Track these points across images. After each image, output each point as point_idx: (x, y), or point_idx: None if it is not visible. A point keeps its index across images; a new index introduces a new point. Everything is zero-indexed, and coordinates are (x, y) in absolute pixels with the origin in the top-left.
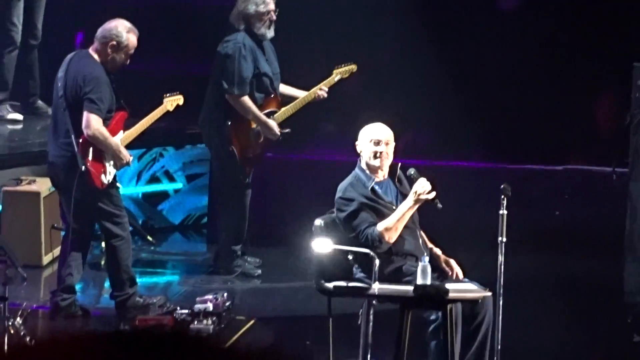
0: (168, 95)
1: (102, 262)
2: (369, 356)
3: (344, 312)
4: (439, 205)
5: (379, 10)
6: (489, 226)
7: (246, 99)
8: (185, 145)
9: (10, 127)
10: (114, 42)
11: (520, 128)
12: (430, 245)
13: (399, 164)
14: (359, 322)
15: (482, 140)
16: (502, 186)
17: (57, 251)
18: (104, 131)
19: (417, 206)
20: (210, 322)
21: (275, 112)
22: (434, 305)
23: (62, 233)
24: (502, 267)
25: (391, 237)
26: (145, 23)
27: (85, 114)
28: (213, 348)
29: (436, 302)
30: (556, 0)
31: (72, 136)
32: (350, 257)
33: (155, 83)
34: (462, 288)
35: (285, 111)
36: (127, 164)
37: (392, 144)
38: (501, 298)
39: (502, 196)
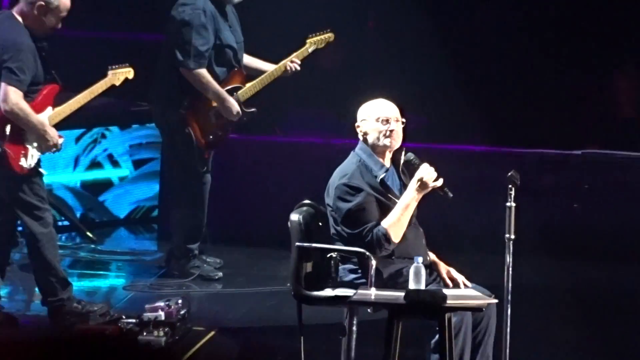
0: (114, 66)
1: None
2: None
3: (324, 321)
4: (450, 194)
5: None
6: (493, 221)
7: (204, 73)
8: (132, 124)
9: None
10: (42, 3)
11: (530, 108)
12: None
13: (404, 149)
14: (343, 335)
15: (484, 120)
16: (509, 174)
17: None
18: (24, 106)
19: (421, 196)
20: (162, 333)
21: (239, 89)
22: (427, 314)
23: None
24: (510, 269)
25: (397, 235)
26: None
27: (2, 85)
28: None
29: (430, 310)
30: None
31: None
32: (334, 255)
33: (98, 51)
34: (463, 294)
35: (250, 87)
36: (55, 146)
37: (401, 121)
38: (509, 305)
39: (510, 186)
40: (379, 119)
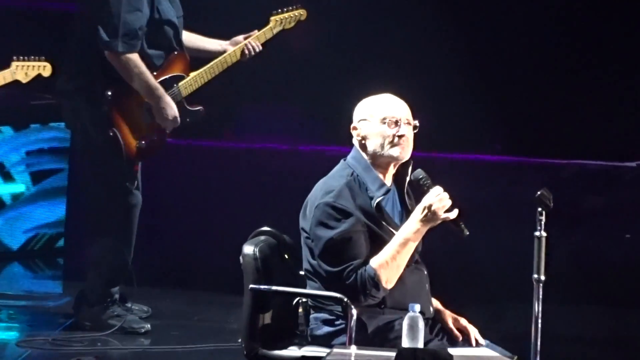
0: (22, 57)
1: None
2: None
3: None
4: (466, 232)
5: None
6: (517, 256)
7: (135, 59)
8: (30, 124)
9: None
10: None
11: (567, 107)
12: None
13: (411, 163)
14: None
15: (508, 124)
16: (538, 193)
17: None
18: None
19: (425, 230)
20: None
21: (180, 79)
22: None
23: None
24: (539, 320)
25: (390, 280)
26: None
27: None
28: None
29: None
30: None
31: None
32: (304, 301)
33: None
34: (474, 354)
35: (195, 78)
36: None
37: (413, 125)
38: None
39: (539, 209)
40: (385, 119)
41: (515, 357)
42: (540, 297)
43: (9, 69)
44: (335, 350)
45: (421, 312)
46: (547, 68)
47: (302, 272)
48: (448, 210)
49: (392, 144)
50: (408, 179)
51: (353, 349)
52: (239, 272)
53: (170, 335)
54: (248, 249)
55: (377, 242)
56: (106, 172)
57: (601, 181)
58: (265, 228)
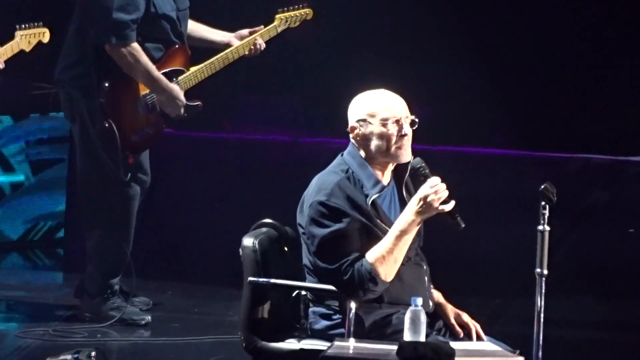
0: (24, 25)
1: None
2: None
3: None
4: (461, 224)
5: None
6: (520, 250)
7: (134, 52)
8: (29, 114)
9: None
10: None
11: (572, 100)
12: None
13: (411, 159)
14: None
15: (511, 117)
16: (542, 187)
17: None
18: None
19: (421, 221)
20: None
21: (179, 73)
22: None
23: None
24: (542, 314)
25: (388, 274)
26: None
27: None
28: None
29: None
30: None
31: None
32: (303, 294)
33: None
34: (477, 349)
35: (195, 73)
36: None
37: (411, 121)
38: None
39: (543, 202)
40: (387, 120)
41: (517, 352)
42: (543, 291)
43: (14, 40)
44: (336, 343)
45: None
46: (553, 61)
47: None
48: (444, 202)
49: (396, 146)
50: (405, 178)
51: (351, 342)
52: (239, 265)
53: (171, 327)
54: (247, 241)
55: (372, 239)
56: (102, 164)
57: (605, 175)
58: (267, 220)
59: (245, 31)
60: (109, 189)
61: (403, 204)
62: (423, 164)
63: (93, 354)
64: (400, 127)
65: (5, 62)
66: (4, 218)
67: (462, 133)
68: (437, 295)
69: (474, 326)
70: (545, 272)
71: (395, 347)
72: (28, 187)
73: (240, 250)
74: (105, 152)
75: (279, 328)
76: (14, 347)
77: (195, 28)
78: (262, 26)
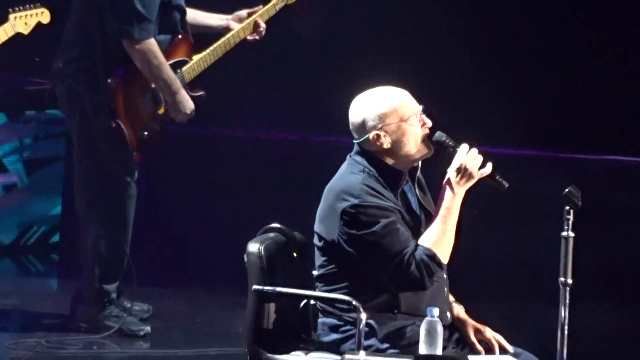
0: (19, 7)
1: None
2: None
3: None
4: (505, 184)
5: None
6: (542, 257)
7: (154, 49)
8: (25, 111)
9: None
10: None
11: (599, 98)
12: (451, 299)
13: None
14: None
15: (532, 115)
16: (566, 190)
17: None
18: None
19: (464, 192)
20: None
21: (183, 64)
22: None
23: None
24: (566, 325)
25: (445, 255)
26: None
27: None
28: None
29: None
30: None
31: None
32: (315, 304)
33: None
34: None
35: (198, 62)
36: None
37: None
38: None
39: (567, 207)
40: (415, 115)
41: None
42: (567, 301)
43: (8, 22)
44: (347, 356)
45: (438, 318)
46: (577, 58)
47: (314, 272)
48: (482, 167)
49: (423, 142)
50: (417, 174)
51: (362, 355)
52: (244, 271)
53: (171, 338)
54: (253, 246)
55: (413, 230)
56: (102, 161)
57: (634, 177)
58: (275, 224)
59: (243, 12)
60: (108, 188)
61: (415, 197)
62: (446, 136)
63: None
64: (422, 120)
65: (0, 47)
66: None
67: (481, 134)
68: (458, 310)
69: (497, 341)
70: (570, 280)
71: None
72: (21, 189)
73: (245, 256)
74: (113, 152)
75: (286, 339)
76: (5, 359)
77: (192, 14)
78: (261, 6)
